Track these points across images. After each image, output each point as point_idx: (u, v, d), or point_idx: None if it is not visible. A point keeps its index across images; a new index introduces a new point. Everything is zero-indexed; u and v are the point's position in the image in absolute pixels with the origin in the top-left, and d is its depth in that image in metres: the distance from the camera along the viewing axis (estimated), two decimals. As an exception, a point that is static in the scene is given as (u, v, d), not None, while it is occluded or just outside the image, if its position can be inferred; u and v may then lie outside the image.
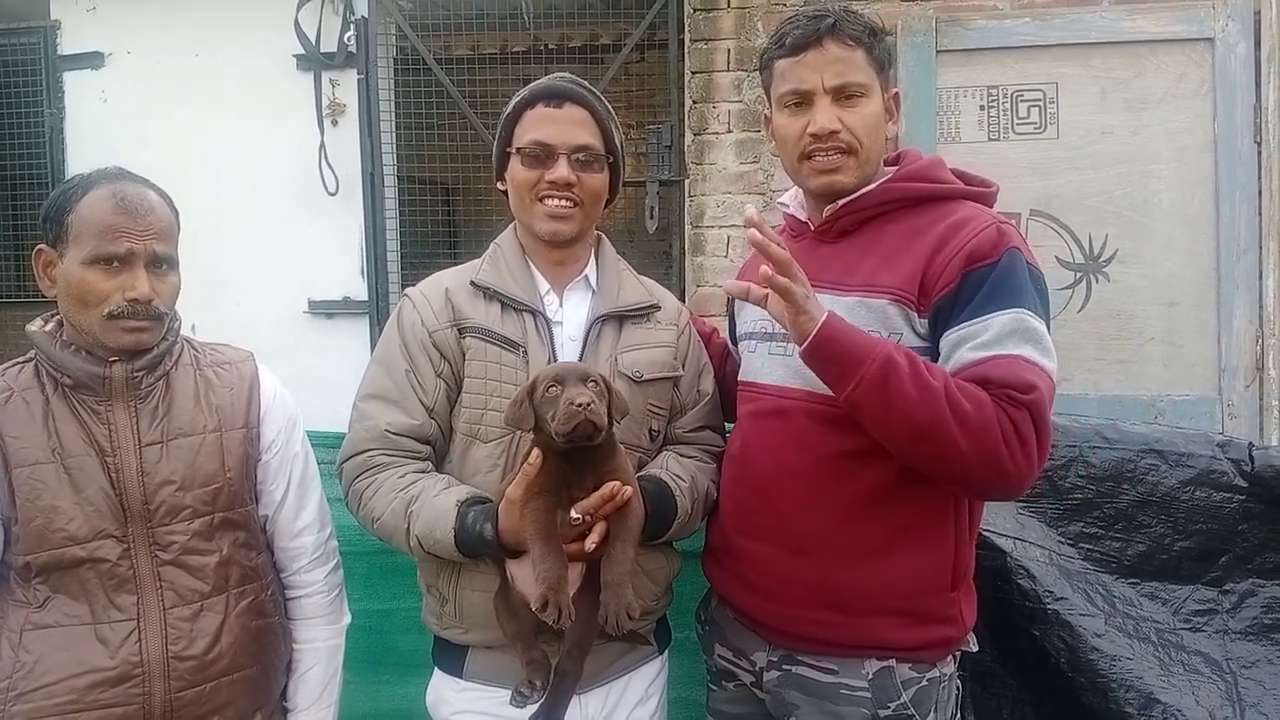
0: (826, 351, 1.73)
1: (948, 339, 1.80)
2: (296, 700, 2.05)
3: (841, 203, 1.95)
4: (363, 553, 2.40)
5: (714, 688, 2.19)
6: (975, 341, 1.76)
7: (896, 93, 2.01)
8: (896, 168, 2.00)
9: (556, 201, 2.03)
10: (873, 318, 1.85)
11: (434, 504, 1.90)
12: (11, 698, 1.73)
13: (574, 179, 2.02)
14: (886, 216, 1.94)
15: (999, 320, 1.75)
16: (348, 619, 2.17)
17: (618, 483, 1.79)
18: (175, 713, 1.79)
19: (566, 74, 2.11)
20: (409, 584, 2.23)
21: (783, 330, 1.99)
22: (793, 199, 2.15)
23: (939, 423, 1.68)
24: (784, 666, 1.97)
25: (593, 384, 1.77)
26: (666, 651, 2.22)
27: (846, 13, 1.92)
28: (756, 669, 2.04)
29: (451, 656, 2.07)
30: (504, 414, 1.88)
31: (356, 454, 2.01)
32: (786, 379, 1.96)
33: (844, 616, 1.88)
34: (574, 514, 1.78)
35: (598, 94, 2.09)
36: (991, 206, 1.96)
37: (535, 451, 1.79)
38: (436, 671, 2.13)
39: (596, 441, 1.78)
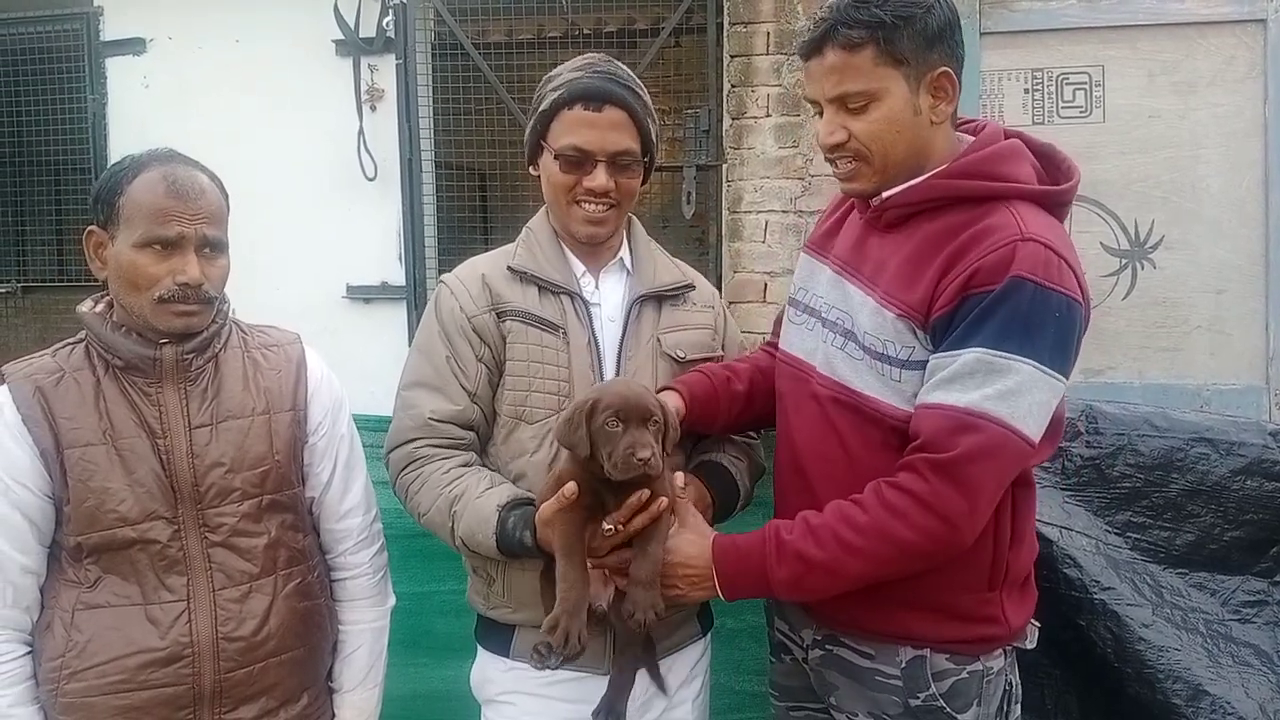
0: (736, 594, 1.82)
1: (929, 363, 1.75)
2: (342, 681, 2.07)
3: (885, 195, 1.86)
4: (401, 536, 2.41)
5: (773, 660, 2.19)
6: (937, 377, 1.72)
7: (944, 71, 1.79)
8: (970, 141, 1.87)
9: (594, 207, 2.01)
10: (887, 328, 1.80)
11: (476, 506, 1.91)
12: (65, 676, 1.75)
13: (611, 185, 2.00)
14: (929, 214, 1.83)
15: (963, 358, 1.68)
16: (393, 601, 2.18)
17: (646, 491, 1.76)
18: (225, 693, 1.81)
19: (602, 62, 2.04)
20: (446, 567, 2.24)
21: (801, 299, 1.98)
22: None
23: (853, 576, 1.75)
24: (827, 646, 1.96)
25: (654, 424, 1.73)
26: (709, 634, 2.22)
27: (853, 7, 1.75)
28: (804, 645, 2.03)
29: (498, 636, 2.08)
30: (556, 430, 1.85)
31: (402, 444, 2.02)
32: (823, 366, 1.92)
33: (876, 608, 1.85)
34: (606, 526, 1.77)
35: (634, 86, 2.03)
36: (1065, 203, 1.84)
37: (571, 485, 1.75)
38: (481, 652, 2.13)
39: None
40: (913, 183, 1.82)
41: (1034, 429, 1.70)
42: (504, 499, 1.90)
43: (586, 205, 2.01)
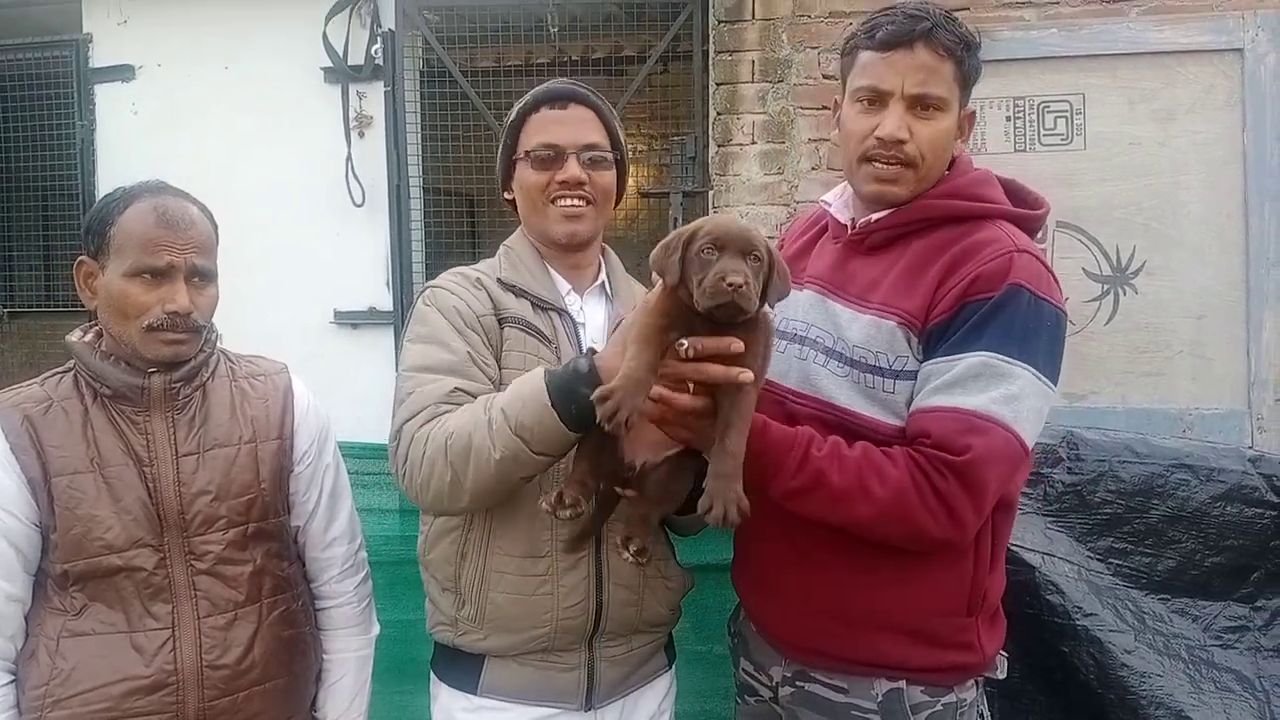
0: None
1: (923, 370, 1.78)
2: (326, 710, 2.07)
3: (875, 217, 1.89)
4: (386, 563, 2.42)
5: (739, 701, 2.18)
6: (937, 381, 1.74)
7: (973, 113, 1.93)
8: (944, 176, 1.92)
9: (569, 201, 2.01)
10: (882, 339, 1.82)
11: (515, 385, 1.77)
12: (49, 704, 1.75)
13: (585, 177, 2.01)
14: (917, 233, 1.87)
15: (966, 361, 1.71)
16: (377, 629, 2.18)
17: (739, 341, 1.59)
18: None
19: (564, 78, 2.11)
20: (431, 594, 2.23)
21: (798, 331, 1.97)
22: (837, 198, 2.04)
23: (851, 517, 1.74)
24: (798, 683, 1.96)
25: (754, 259, 1.58)
26: (673, 667, 2.20)
27: (946, 19, 1.82)
28: (773, 684, 2.02)
29: (463, 669, 1.97)
30: (651, 255, 1.70)
31: (422, 409, 1.84)
32: (800, 384, 1.93)
33: (850, 630, 1.86)
34: (683, 342, 1.59)
35: (598, 94, 2.09)
36: (1037, 228, 1.91)
37: (658, 293, 1.62)
38: (442, 689, 2.02)
39: (739, 321, 1.60)
40: (904, 206, 1.88)
41: (1030, 435, 1.75)
42: (546, 368, 1.78)
43: (562, 201, 2.02)
